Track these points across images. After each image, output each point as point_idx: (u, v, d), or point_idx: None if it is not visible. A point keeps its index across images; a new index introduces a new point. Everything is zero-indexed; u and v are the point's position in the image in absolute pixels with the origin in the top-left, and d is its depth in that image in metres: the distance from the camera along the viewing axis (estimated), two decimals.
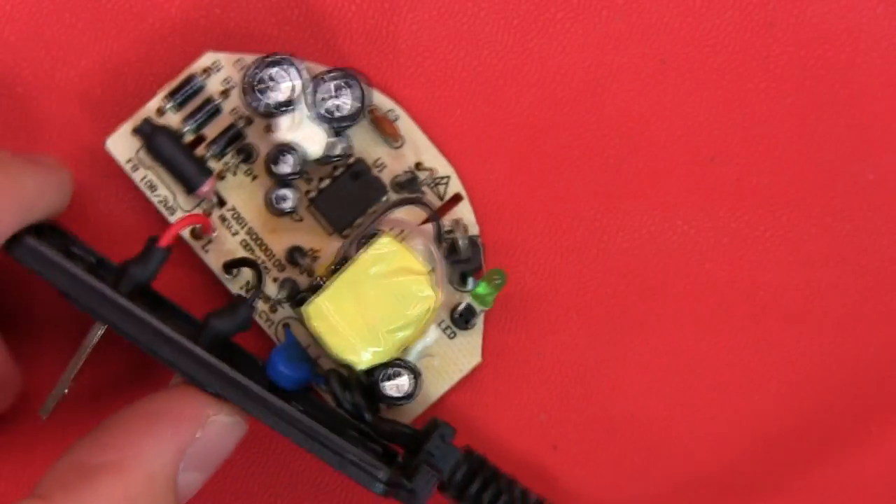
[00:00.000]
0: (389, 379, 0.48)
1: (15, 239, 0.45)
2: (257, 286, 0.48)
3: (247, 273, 0.49)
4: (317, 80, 0.47)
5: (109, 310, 0.45)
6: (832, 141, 0.50)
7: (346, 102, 0.48)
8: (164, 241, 0.46)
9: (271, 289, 0.49)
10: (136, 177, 0.49)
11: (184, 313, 0.48)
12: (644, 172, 0.50)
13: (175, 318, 0.48)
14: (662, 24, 0.50)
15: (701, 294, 0.50)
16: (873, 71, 0.50)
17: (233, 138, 0.49)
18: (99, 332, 0.46)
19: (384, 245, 0.47)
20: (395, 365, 0.48)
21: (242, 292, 0.49)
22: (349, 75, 0.47)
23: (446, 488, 0.47)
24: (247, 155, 0.49)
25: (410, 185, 0.49)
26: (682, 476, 0.50)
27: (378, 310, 0.47)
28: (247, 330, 0.47)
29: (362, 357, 0.47)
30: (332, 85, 0.47)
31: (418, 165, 0.49)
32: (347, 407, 0.46)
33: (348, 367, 0.47)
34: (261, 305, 0.49)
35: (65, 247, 0.47)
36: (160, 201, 0.49)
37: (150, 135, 0.48)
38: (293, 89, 0.47)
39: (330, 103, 0.48)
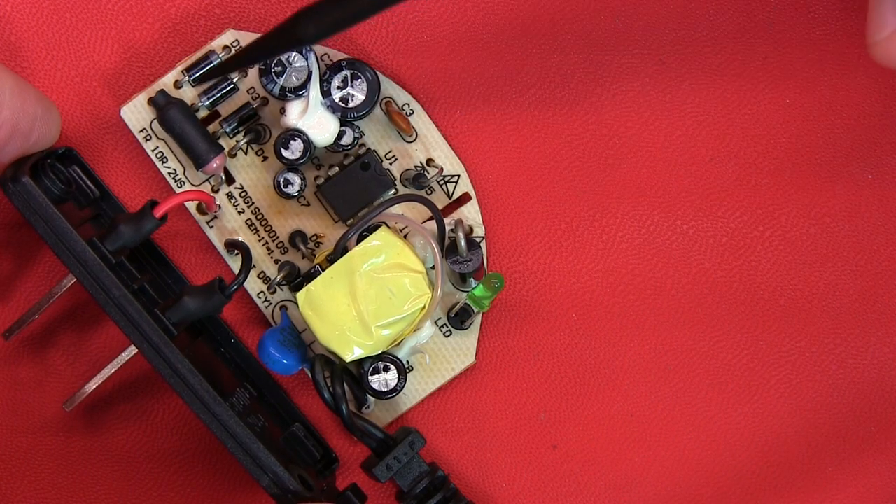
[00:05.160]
0: (377, 373, 0.48)
1: (13, 178, 0.45)
2: (243, 272, 0.47)
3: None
4: (332, 68, 0.48)
5: (81, 271, 0.45)
6: (832, 141, 0.50)
7: (357, 93, 0.48)
8: (159, 211, 0.46)
9: (271, 270, 0.49)
10: (148, 147, 0.49)
11: (176, 273, 0.49)
12: (644, 172, 0.50)
13: (166, 273, 0.48)
14: (662, 24, 0.50)
15: (701, 294, 0.50)
16: (872, 71, 0.50)
17: (246, 117, 0.49)
18: (69, 282, 0.47)
19: (380, 239, 0.47)
20: (384, 359, 0.48)
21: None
22: (362, 66, 0.48)
23: (404, 498, 0.47)
24: (257, 135, 0.49)
25: (419, 181, 0.49)
26: (681, 476, 0.50)
27: (371, 303, 0.47)
28: (218, 314, 0.47)
29: (351, 349, 0.47)
30: (345, 74, 0.48)
31: (429, 162, 0.49)
32: (327, 398, 0.46)
33: (337, 355, 0.47)
34: (259, 285, 0.49)
35: (65, 177, 0.47)
36: (169, 173, 0.49)
37: (163, 106, 0.48)
38: (307, 75, 0.47)
39: (342, 93, 0.48)
